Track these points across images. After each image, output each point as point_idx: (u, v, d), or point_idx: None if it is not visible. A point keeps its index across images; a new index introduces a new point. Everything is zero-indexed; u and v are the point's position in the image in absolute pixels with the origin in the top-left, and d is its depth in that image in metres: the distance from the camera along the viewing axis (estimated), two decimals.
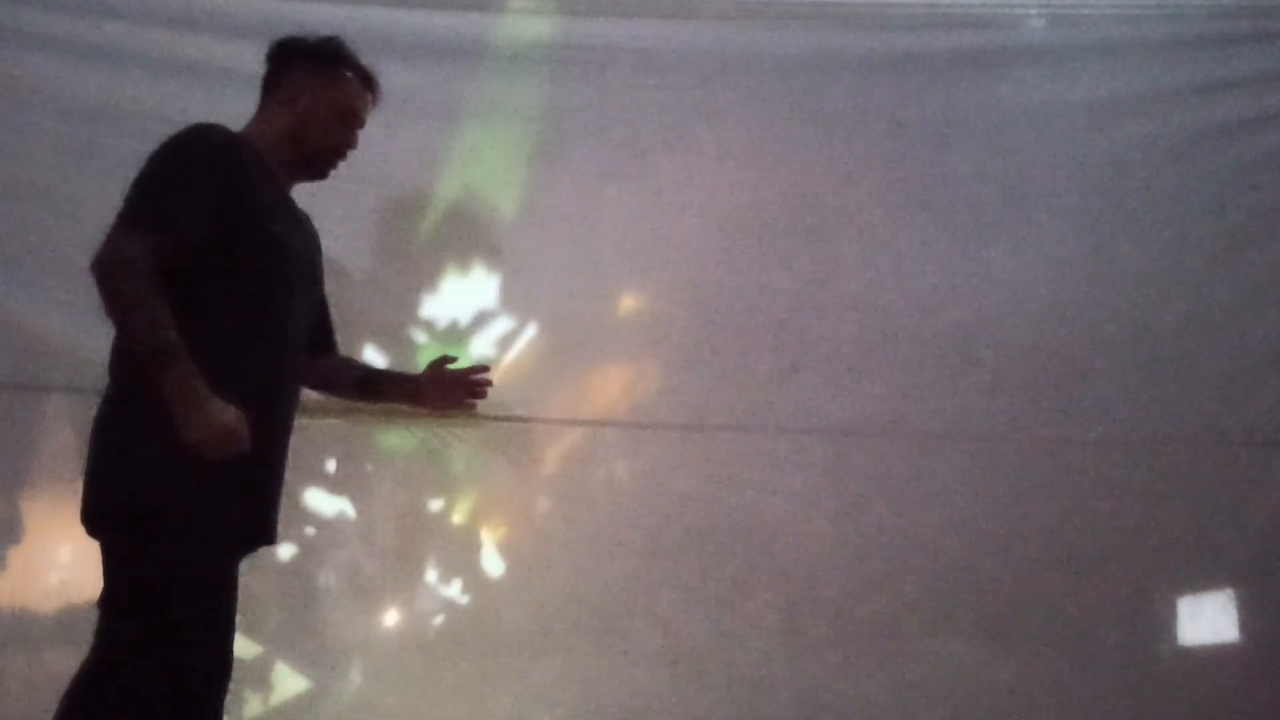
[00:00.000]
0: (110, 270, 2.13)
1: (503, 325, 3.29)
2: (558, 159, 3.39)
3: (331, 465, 3.15)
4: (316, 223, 2.55)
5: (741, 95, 3.44)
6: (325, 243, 2.59)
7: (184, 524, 2.14)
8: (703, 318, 3.35)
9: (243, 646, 2.83)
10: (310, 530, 3.13)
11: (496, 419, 3.25)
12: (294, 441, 2.47)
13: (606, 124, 3.41)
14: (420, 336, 3.26)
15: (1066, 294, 3.38)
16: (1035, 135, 3.45)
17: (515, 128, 3.39)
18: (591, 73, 3.41)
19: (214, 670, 2.20)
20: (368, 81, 2.49)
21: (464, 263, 3.28)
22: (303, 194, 2.54)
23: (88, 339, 3.08)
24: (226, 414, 2.10)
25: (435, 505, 3.23)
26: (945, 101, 3.45)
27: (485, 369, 2.65)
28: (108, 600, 2.17)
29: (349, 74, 2.46)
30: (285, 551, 3.10)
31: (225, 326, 2.21)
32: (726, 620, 3.27)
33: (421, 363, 2.85)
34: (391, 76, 2.58)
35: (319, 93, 2.42)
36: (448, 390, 2.61)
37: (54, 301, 3.09)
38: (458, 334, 3.25)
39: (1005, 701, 3.23)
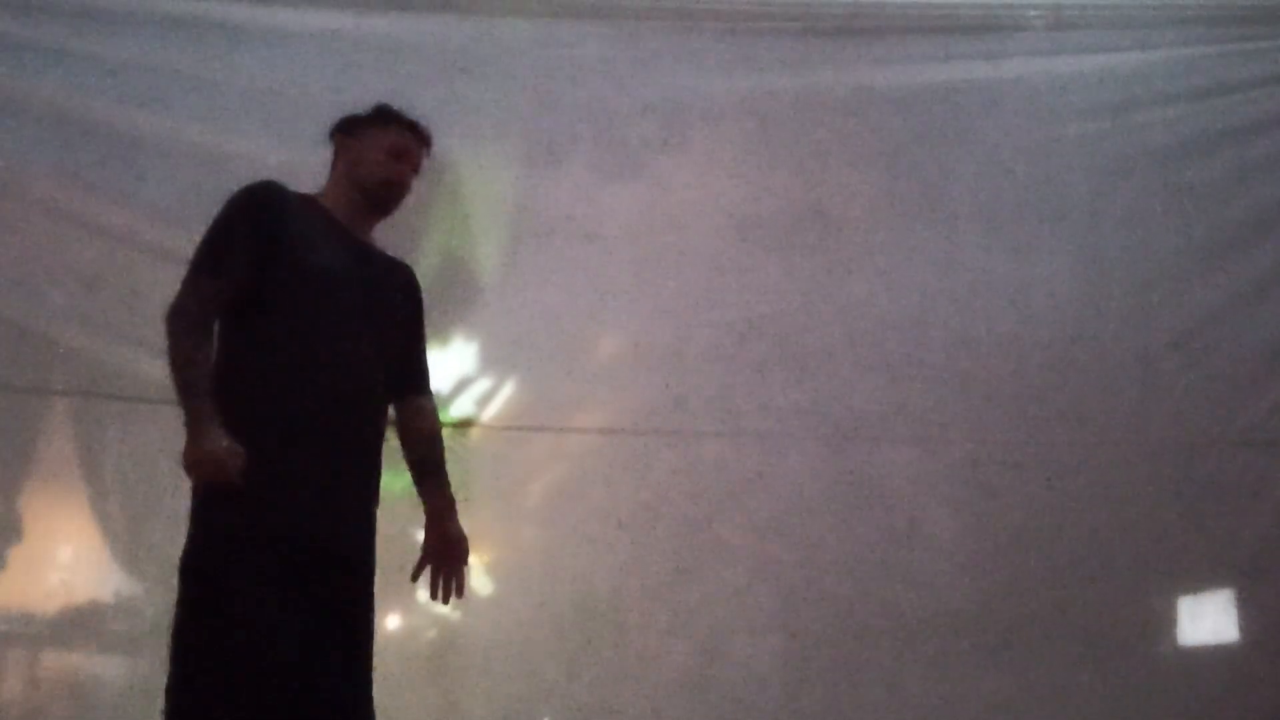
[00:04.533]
0: (168, 322, 2.43)
1: (482, 386, 3.31)
2: (558, 160, 3.39)
3: None
4: None
5: (742, 97, 3.44)
6: None
7: (211, 543, 2.35)
8: (702, 319, 3.36)
9: None
10: None
11: (495, 427, 3.27)
12: None
13: (607, 124, 3.41)
14: None
15: (1065, 296, 3.39)
16: (1034, 136, 3.45)
17: (515, 129, 3.40)
18: (592, 73, 3.42)
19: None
20: (414, 129, 2.72)
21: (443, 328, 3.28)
22: None
23: (87, 342, 3.12)
24: (217, 446, 2.31)
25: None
26: (944, 102, 3.46)
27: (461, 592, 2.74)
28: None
29: (395, 124, 2.71)
30: None
31: (259, 356, 2.45)
32: (724, 621, 3.28)
33: None
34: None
35: (368, 140, 2.68)
36: (444, 564, 2.69)
37: (54, 305, 3.11)
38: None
39: (1005, 701, 3.23)
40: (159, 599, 2.93)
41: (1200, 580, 3.35)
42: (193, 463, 2.32)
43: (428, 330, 2.85)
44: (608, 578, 3.30)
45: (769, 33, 3.48)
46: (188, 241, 2.97)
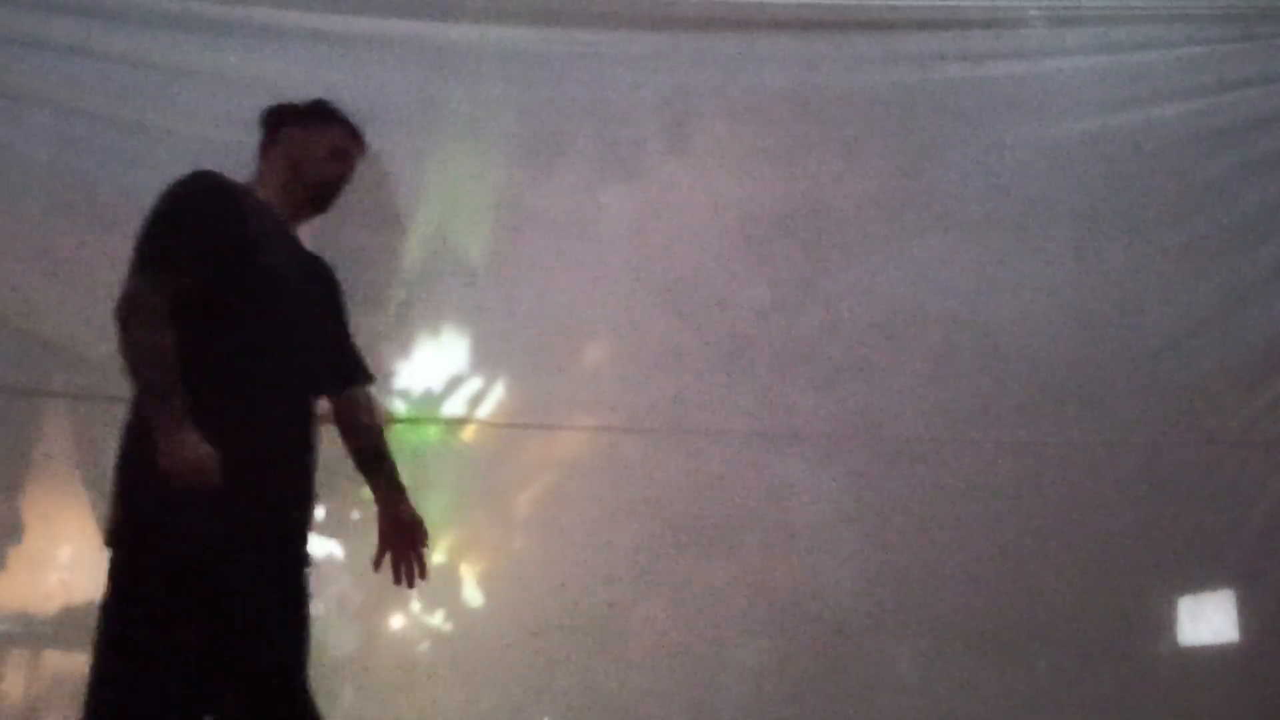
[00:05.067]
0: (121, 315, 2.31)
1: (474, 385, 3.30)
2: (557, 160, 3.39)
3: (320, 512, 3.19)
4: None
5: (741, 100, 3.44)
6: None
7: (164, 543, 2.27)
8: (698, 323, 3.36)
9: None
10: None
11: (494, 424, 3.27)
12: None
13: (607, 124, 3.41)
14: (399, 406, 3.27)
15: (1065, 296, 3.38)
16: (1035, 138, 3.45)
17: (512, 129, 3.40)
18: (591, 74, 3.42)
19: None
20: (353, 131, 2.69)
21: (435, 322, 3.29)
22: None
23: (87, 343, 3.12)
24: (196, 450, 2.24)
25: None
26: (945, 101, 3.45)
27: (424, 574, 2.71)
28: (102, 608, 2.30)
29: (336, 123, 2.66)
30: None
31: (215, 357, 2.37)
32: (722, 622, 3.27)
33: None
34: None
35: (312, 137, 2.62)
36: (401, 550, 2.66)
37: (53, 306, 3.10)
38: (431, 401, 3.27)
39: (1005, 701, 3.23)
40: None
41: (1199, 580, 3.35)
42: (168, 470, 2.24)
43: (426, 328, 2.87)
44: (607, 577, 3.30)
45: (769, 32, 3.48)
46: None
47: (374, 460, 2.70)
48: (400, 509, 2.65)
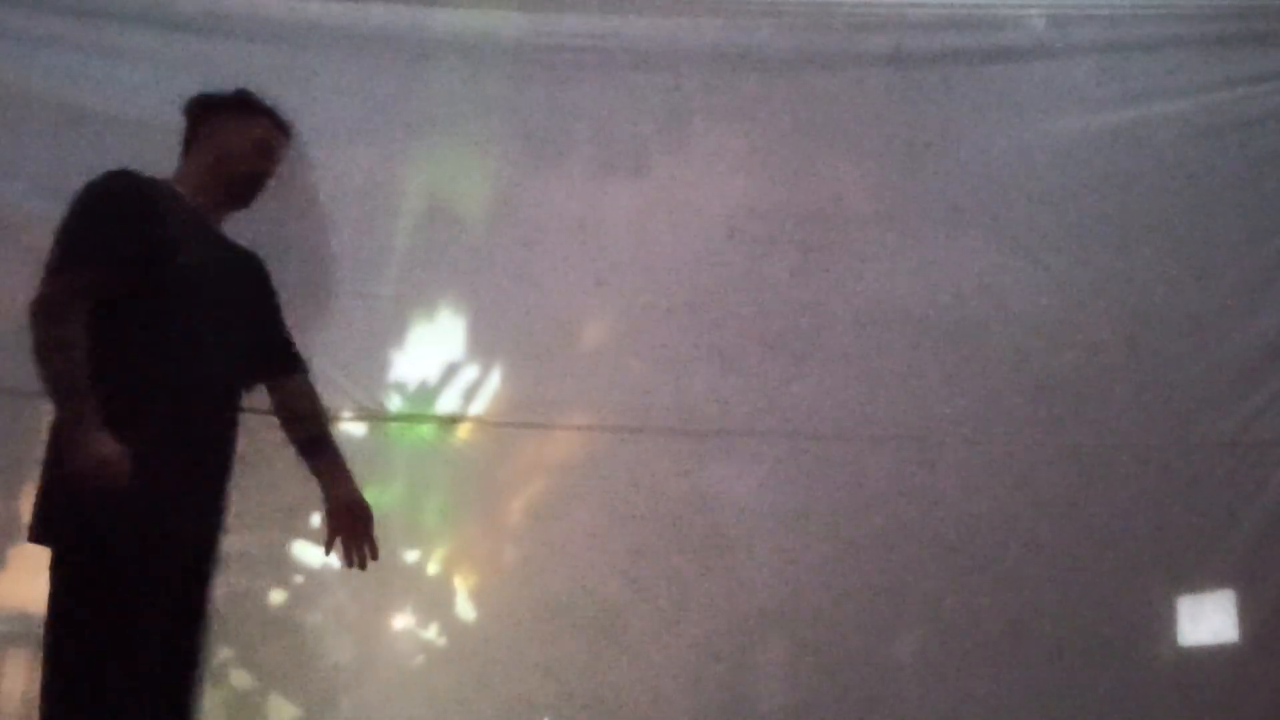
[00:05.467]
0: (34, 314, 2.39)
1: (470, 375, 3.31)
2: (556, 160, 3.38)
3: (315, 520, 3.18)
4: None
5: (741, 96, 3.43)
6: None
7: (77, 540, 2.38)
8: (698, 320, 3.36)
9: (241, 679, 3.07)
10: (299, 578, 3.23)
11: (493, 423, 3.26)
12: (277, 500, 2.86)
13: (606, 124, 3.40)
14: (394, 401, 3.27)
15: (1063, 296, 3.40)
16: (1034, 137, 3.45)
17: (511, 129, 3.38)
18: (591, 73, 3.40)
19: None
20: (279, 123, 2.75)
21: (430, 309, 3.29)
22: None
23: None
24: (104, 449, 2.29)
25: (411, 557, 3.30)
26: (944, 102, 3.47)
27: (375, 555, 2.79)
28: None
29: (260, 115, 2.73)
30: (277, 597, 3.22)
31: (133, 357, 2.44)
32: (722, 622, 3.28)
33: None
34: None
35: (235, 130, 2.68)
36: (348, 531, 2.76)
37: None
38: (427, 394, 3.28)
39: (1003, 702, 3.24)
40: None
41: (1197, 580, 3.37)
42: (76, 470, 2.28)
43: (423, 329, 2.87)
44: (605, 577, 3.30)
45: (770, 29, 3.48)
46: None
47: (315, 446, 2.74)
48: (346, 492, 2.69)
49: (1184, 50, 3.49)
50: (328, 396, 3.12)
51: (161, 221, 2.53)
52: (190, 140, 2.74)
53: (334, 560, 3.12)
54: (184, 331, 2.52)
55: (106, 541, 2.35)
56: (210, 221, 2.72)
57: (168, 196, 2.61)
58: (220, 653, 3.15)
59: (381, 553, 3.06)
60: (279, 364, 2.82)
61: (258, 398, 2.97)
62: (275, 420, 2.95)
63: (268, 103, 2.80)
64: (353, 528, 2.74)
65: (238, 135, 2.68)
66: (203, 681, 2.58)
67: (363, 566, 2.75)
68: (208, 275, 2.59)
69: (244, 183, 2.72)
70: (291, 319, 2.99)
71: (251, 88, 3.21)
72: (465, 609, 3.26)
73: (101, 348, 2.40)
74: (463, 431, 3.31)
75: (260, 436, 2.98)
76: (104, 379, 2.38)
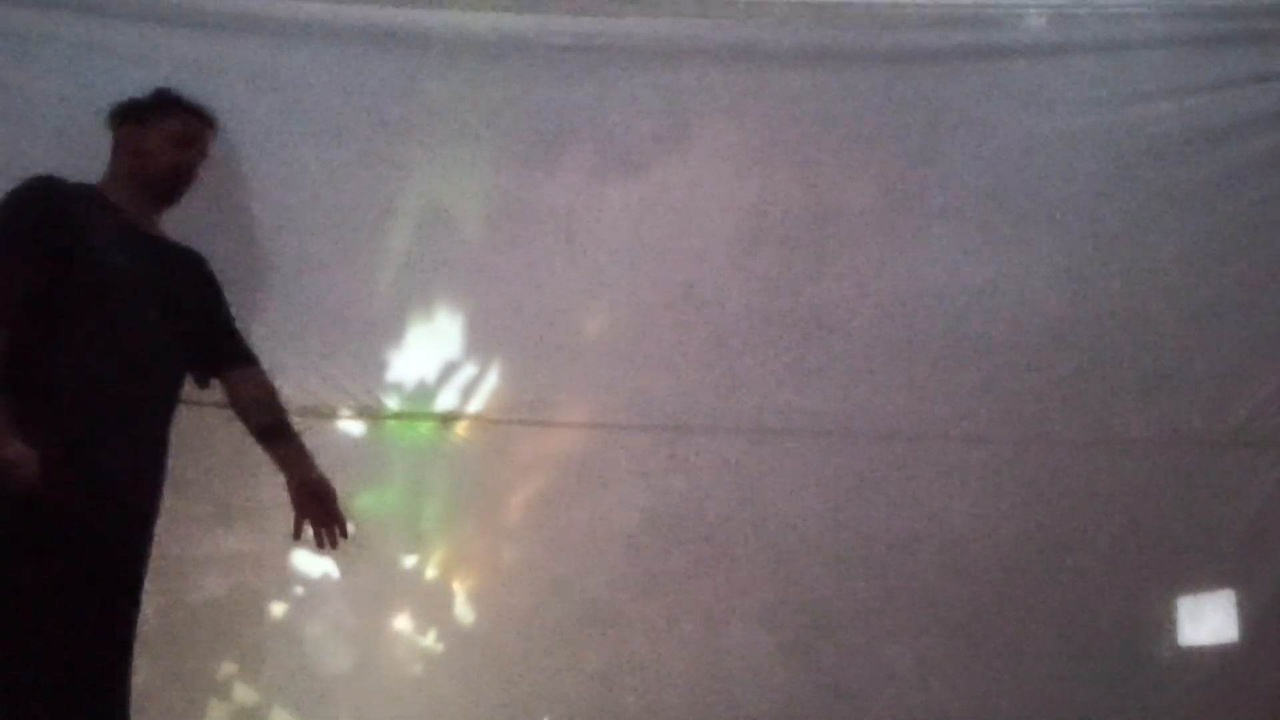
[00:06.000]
0: None
1: (468, 372, 3.31)
2: (555, 159, 3.38)
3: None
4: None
5: (741, 95, 3.43)
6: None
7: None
8: (697, 319, 3.36)
9: (243, 692, 3.08)
10: (299, 589, 3.22)
11: (493, 421, 3.26)
12: (277, 512, 2.81)
13: (606, 124, 3.40)
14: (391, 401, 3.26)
15: (1063, 294, 3.39)
16: (1034, 135, 3.45)
17: (509, 129, 3.38)
18: (590, 72, 3.40)
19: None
20: (199, 114, 2.79)
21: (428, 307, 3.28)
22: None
23: None
24: (10, 451, 2.31)
25: (410, 560, 3.29)
26: (944, 101, 3.45)
27: (346, 534, 2.82)
28: None
29: (179, 110, 2.77)
30: (278, 609, 3.22)
31: (47, 358, 2.46)
32: (722, 621, 3.28)
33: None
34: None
35: (150, 129, 2.73)
36: (315, 513, 2.78)
37: None
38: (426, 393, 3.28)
39: (1003, 702, 3.24)
40: (158, 598, 2.94)
41: (1196, 580, 3.37)
42: None
43: (419, 327, 2.88)
44: (606, 577, 3.30)
45: (771, 27, 3.47)
46: (192, 237, 3.00)
47: (272, 433, 2.77)
48: (303, 472, 2.71)
49: (1184, 50, 3.47)
50: (327, 395, 3.11)
51: (76, 224, 2.57)
52: (115, 147, 2.79)
53: (332, 571, 3.14)
54: (101, 332, 2.56)
55: (7, 540, 2.37)
56: (139, 223, 2.75)
57: (87, 200, 2.65)
58: (223, 667, 3.16)
59: (381, 553, 3.07)
60: (226, 358, 2.85)
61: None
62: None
63: (186, 98, 2.83)
64: (316, 507, 2.77)
65: (153, 132, 2.75)
66: (126, 676, 2.57)
67: (334, 545, 2.76)
68: (129, 275, 2.62)
69: (164, 178, 2.77)
70: (288, 318, 3.00)
71: (252, 87, 3.25)
72: (464, 610, 3.26)
73: (16, 350, 2.43)
74: (461, 429, 3.30)
75: (254, 447, 2.98)
76: (16, 380, 2.40)
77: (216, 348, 2.84)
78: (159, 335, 2.66)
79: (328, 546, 2.78)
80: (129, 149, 2.75)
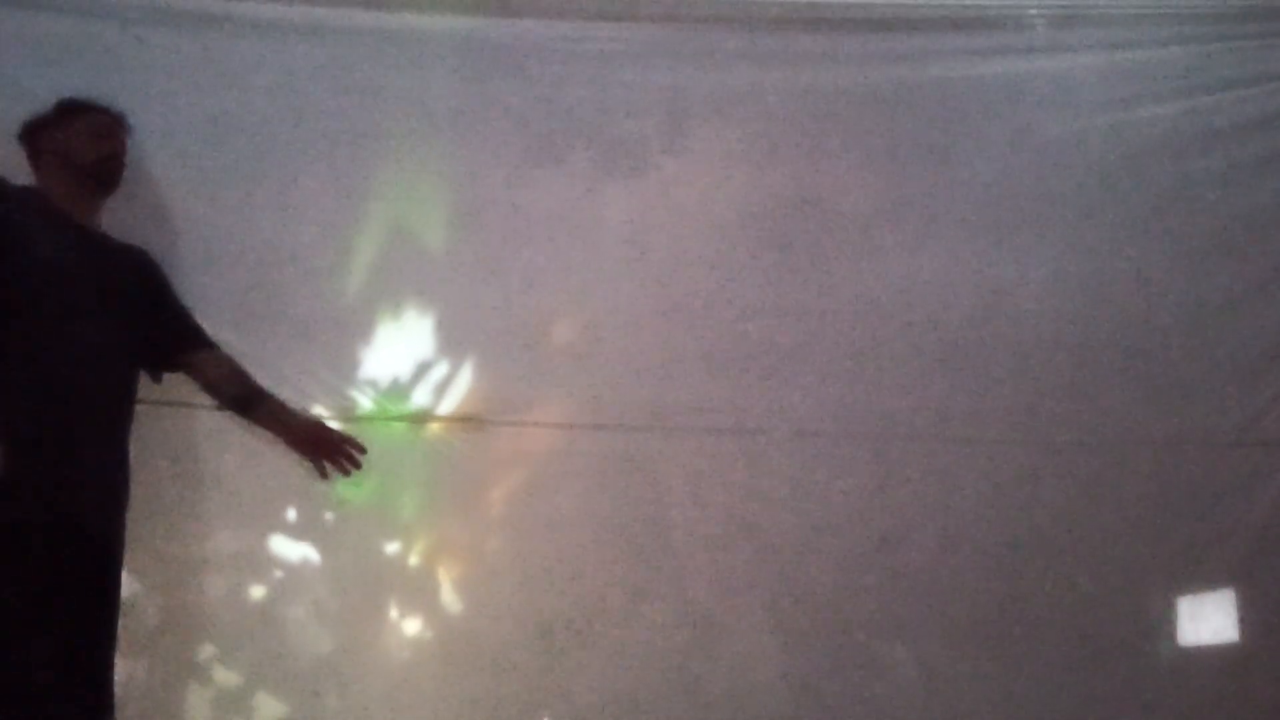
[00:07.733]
0: None
1: (441, 370, 3.29)
2: (554, 159, 3.38)
3: (292, 514, 3.18)
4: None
5: (740, 96, 3.43)
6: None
7: None
8: (695, 318, 3.36)
9: (225, 676, 3.06)
10: (279, 573, 3.20)
11: (486, 421, 3.26)
12: (256, 492, 2.88)
13: (605, 124, 3.41)
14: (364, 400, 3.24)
15: (1062, 295, 3.38)
16: (1034, 136, 3.45)
17: (509, 128, 3.39)
18: (588, 69, 3.40)
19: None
20: (103, 109, 2.84)
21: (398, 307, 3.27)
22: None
23: None
24: None
25: (393, 546, 3.26)
26: (943, 102, 3.45)
27: (361, 448, 2.86)
28: None
29: (83, 111, 2.82)
30: (258, 593, 3.19)
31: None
32: (721, 621, 3.28)
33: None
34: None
35: (66, 129, 2.78)
36: (320, 448, 2.83)
37: None
38: (400, 390, 3.26)
39: (1003, 702, 3.24)
40: (159, 599, 2.95)
41: (1197, 580, 3.36)
42: None
43: (416, 325, 2.89)
44: (605, 577, 3.29)
45: (770, 28, 3.47)
46: (196, 239, 3.01)
47: (248, 401, 2.80)
48: (297, 422, 2.73)
49: (1184, 50, 3.47)
50: (301, 397, 3.09)
51: (13, 219, 2.61)
52: (34, 161, 2.84)
53: (312, 555, 3.14)
54: (43, 329, 2.58)
55: None
56: (80, 219, 2.78)
57: (25, 197, 2.70)
58: (204, 650, 3.15)
59: (360, 551, 3.07)
60: (183, 342, 2.88)
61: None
62: (244, 420, 2.98)
63: (86, 100, 2.88)
64: (322, 444, 2.80)
65: (70, 131, 2.79)
66: (108, 662, 2.58)
67: (357, 465, 2.79)
68: (70, 270, 2.65)
69: (96, 168, 2.81)
70: (274, 318, 3.01)
71: (251, 87, 3.26)
72: (461, 606, 3.25)
73: None
74: (438, 427, 3.29)
75: (231, 437, 2.99)
76: None
77: (170, 334, 2.87)
78: (102, 330, 2.69)
79: (350, 466, 2.82)
80: (52, 151, 2.80)
